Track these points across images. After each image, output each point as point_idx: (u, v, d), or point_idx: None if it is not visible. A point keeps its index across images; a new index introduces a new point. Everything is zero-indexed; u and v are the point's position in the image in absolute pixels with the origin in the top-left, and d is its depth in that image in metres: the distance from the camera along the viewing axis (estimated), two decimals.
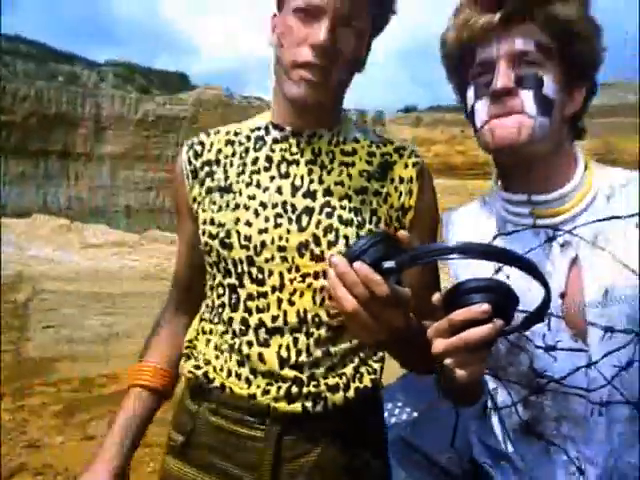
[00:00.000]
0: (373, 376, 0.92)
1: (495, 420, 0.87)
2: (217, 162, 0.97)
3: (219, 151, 0.98)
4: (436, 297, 0.68)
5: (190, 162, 0.99)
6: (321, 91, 0.86)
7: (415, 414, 2.17)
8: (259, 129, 0.98)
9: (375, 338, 0.71)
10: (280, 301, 0.88)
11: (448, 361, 0.66)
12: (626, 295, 0.75)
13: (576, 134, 0.85)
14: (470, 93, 0.81)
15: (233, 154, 0.97)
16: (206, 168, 0.98)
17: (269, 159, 0.94)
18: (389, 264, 0.64)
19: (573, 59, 0.78)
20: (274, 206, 0.91)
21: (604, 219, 0.79)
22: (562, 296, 0.79)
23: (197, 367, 0.96)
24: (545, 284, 0.66)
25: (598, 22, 0.80)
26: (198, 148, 1.00)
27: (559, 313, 0.79)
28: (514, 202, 0.84)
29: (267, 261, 0.89)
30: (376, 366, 0.93)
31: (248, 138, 0.98)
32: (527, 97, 0.77)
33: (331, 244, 0.89)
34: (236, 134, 0.99)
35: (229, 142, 0.98)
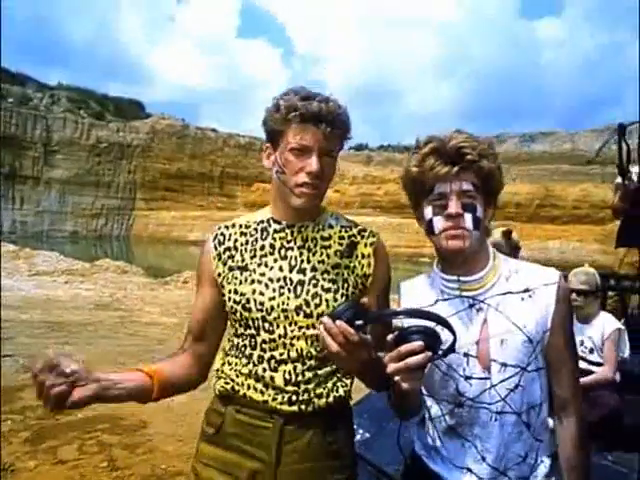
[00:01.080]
0: (345, 388, 1.34)
1: (430, 426, 1.26)
2: (235, 248, 1.34)
3: (235, 240, 1.35)
4: (390, 337, 1.04)
5: (216, 248, 1.35)
6: (314, 200, 1.28)
7: (367, 435, 2.52)
8: (262, 222, 1.37)
9: (350, 368, 1.13)
10: (285, 344, 1.26)
11: (397, 378, 1.02)
12: (515, 345, 1.15)
13: (487, 234, 1.25)
14: (428, 210, 1.18)
15: (246, 242, 1.34)
16: (227, 253, 1.34)
17: (272, 246, 1.32)
18: (359, 322, 1.03)
19: (489, 192, 1.20)
20: (278, 280, 1.28)
21: (503, 293, 1.18)
22: (477, 343, 1.16)
23: (226, 383, 1.33)
24: (453, 332, 1.06)
25: (501, 168, 1.23)
26: (221, 238, 1.37)
27: (474, 354, 1.16)
28: (448, 280, 1.21)
29: (275, 319, 1.26)
30: (347, 382, 1.33)
31: (256, 230, 1.35)
32: (468, 218, 1.14)
33: (317, 306, 1.26)
34: (247, 227, 1.38)
35: (242, 233, 1.36)
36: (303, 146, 1.22)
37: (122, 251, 37.60)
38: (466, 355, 1.17)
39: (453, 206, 1.14)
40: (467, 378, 1.17)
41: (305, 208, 1.27)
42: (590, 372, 2.90)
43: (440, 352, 1.04)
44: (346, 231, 1.35)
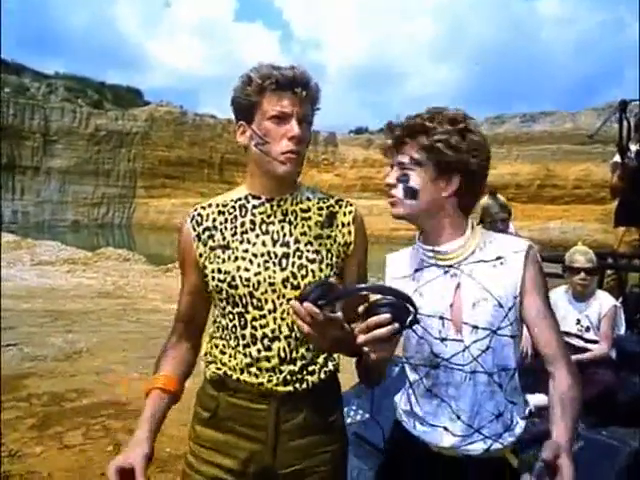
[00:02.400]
0: (334, 362, 1.39)
1: (409, 391, 1.35)
2: (214, 228, 1.34)
3: (214, 220, 1.35)
4: (360, 309, 1.08)
5: (194, 229, 1.35)
6: (298, 165, 1.30)
7: (366, 415, 2.56)
8: (240, 199, 1.38)
9: (323, 345, 1.17)
10: (275, 319, 1.28)
11: (366, 348, 1.07)
12: (485, 308, 1.22)
13: (464, 209, 1.32)
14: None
15: (225, 220, 1.34)
16: (207, 232, 1.34)
17: (252, 222, 1.33)
18: (321, 302, 1.07)
19: (444, 165, 1.26)
20: (262, 255, 1.29)
21: (477, 261, 1.26)
22: (451, 306, 1.23)
23: (218, 369, 1.34)
24: (414, 305, 1.09)
25: (475, 142, 1.27)
26: (198, 218, 1.37)
27: (448, 316, 1.23)
28: (425, 250, 1.30)
29: (262, 294, 1.28)
30: (335, 356, 1.37)
31: (234, 208, 1.36)
32: (399, 188, 1.26)
33: (304, 277, 1.28)
34: (224, 206, 1.38)
35: (220, 212, 1.36)
36: (282, 112, 1.25)
37: (124, 239, 37.68)
38: (441, 318, 1.25)
39: (389, 177, 1.29)
40: (442, 340, 1.25)
41: (290, 175, 1.29)
42: (586, 350, 2.94)
43: (406, 323, 1.08)
44: (324, 202, 1.38)
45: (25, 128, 43.43)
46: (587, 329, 3.00)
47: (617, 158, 4.40)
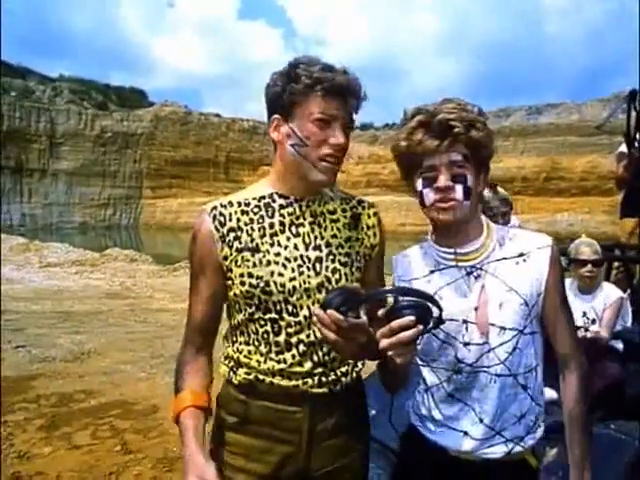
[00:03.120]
0: (361, 365, 1.36)
1: (426, 395, 1.28)
2: (239, 229, 1.26)
3: (238, 220, 1.27)
4: (380, 313, 1.04)
5: (217, 229, 1.25)
6: (335, 175, 1.27)
7: (373, 412, 2.55)
8: (264, 197, 1.29)
9: (351, 352, 1.10)
10: (310, 325, 1.22)
11: (390, 353, 1.02)
12: (512, 308, 1.17)
13: (481, 201, 1.26)
14: (418, 183, 1.19)
15: (251, 221, 1.27)
16: (232, 234, 1.25)
17: (282, 223, 1.26)
18: (344, 308, 1.03)
19: (480, 160, 1.21)
20: (295, 259, 1.24)
21: (499, 259, 1.21)
22: (476, 309, 1.18)
23: (247, 373, 1.28)
24: (439, 307, 1.07)
25: (491, 134, 1.22)
26: (221, 218, 1.28)
27: (473, 320, 1.18)
28: (443, 252, 1.23)
29: (298, 299, 1.23)
30: None
31: (258, 207, 1.28)
32: (459, 189, 1.15)
33: (337, 281, 1.25)
34: (247, 204, 1.30)
35: (244, 212, 1.28)
36: (330, 116, 1.19)
37: (131, 240, 37.83)
38: (465, 322, 1.20)
39: (442, 179, 1.15)
40: (466, 344, 1.20)
41: (326, 186, 1.26)
42: (590, 341, 2.91)
43: (430, 325, 1.05)
44: (347, 203, 1.35)
45: (31, 131, 43.68)
46: (593, 321, 2.97)
47: (622, 148, 4.34)
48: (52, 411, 3.83)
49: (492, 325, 1.18)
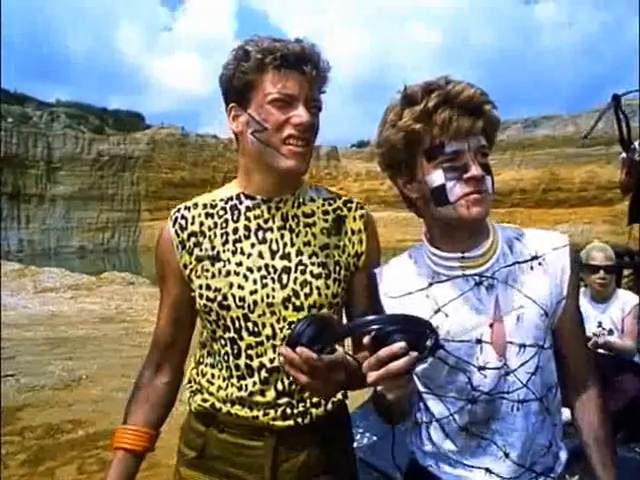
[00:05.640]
0: (342, 391, 1.15)
1: (433, 429, 1.08)
2: (202, 233, 1.12)
3: (201, 224, 1.13)
4: (366, 340, 0.85)
5: (177, 234, 1.14)
6: (307, 159, 1.09)
7: (374, 438, 2.36)
8: (231, 199, 1.15)
9: (328, 392, 0.97)
10: (274, 346, 1.06)
11: (379, 388, 0.85)
12: (532, 320, 1.00)
13: None
14: (437, 175, 0.98)
15: (215, 225, 1.12)
16: (192, 239, 1.12)
17: (247, 228, 1.11)
18: (317, 346, 0.85)
19: (491, 146, 1.03)
20: (259, 269, 1.08)
21: (511, 264, 1.03)
22: (491, 325, 1.00)
23: (204, 400, 1.13)
24: (433, 330, 0.87)
25: None
26: (182, 222, 1.15)
27: (488, 339, 1.00)
28: (448, 258, 1.03)
29: (260, 316, 1.07)
30: None
31: (224, 210, 1.14)
32: (488, 181, 0.98)
33: (307, 295, 1.07)
34: (212, 206, 1.16)
35: (208, 215, 1.14)
36: (287, 95, 1.03)
37: (130, 263, 37.64)
38: (479, 341, 1.01)
39: (475, 168, 0.96)
40: (481, 368, 1.01)
41: (294, 172, 1.07)
42: (608, 356, 2.72)
43: (426, 352, 0.86)
44: (330, 204, 1.16)
45: (29, 157, 43.73)
46: (610, 332, 2.79)
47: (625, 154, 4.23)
48: (37, 444, 3.62)
49: (510, 343, 1.00)
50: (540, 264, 1.04)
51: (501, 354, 1.00)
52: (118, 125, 52.70)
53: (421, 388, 1.09)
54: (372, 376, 0.84)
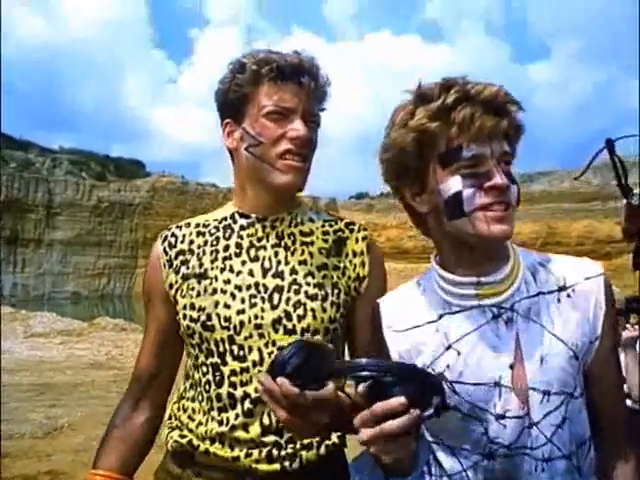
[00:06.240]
0: (339, 433, 1.02)
1: None
2: (190, 251, 1.06)
3: (191, 242, 1.06)
4: (361, 389, 0.72)
5: (166, 252, 1.07)
6: (303, 175, 1.02)
7: None
8: (225, 219, 1.09)
9: (310, 433, 0.85)
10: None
11: (372, 449, 0.71)
12: (559, 363, 0.85)
13: None
14: (454, 182, 0.84)
15: (205, 243, 1.06)
16: (180, 257, 1.05)
17: (239, 245, 1.03)
18: (299, 381, 0.73)
19: (513, 157, 0.89)
20: (248, 288, 0.99)
21: (534, 295, 0.88)
22: (511, 367, 0.85)
23: (182, 436, 1.01)
24: (442, 389, 0.74)
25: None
26: (172, 240, 1.08)
27: (508, 384, 0.85)
28: (461, 284, 0.88)
29: (246, 339, 0.97)
30: None
31: (217, 228, 1.07)
32: (514, 192, 0.85)
33: (300, 318, 0.97)
34: (205, 226, 1.09)
35: (200, 233, 1.07)
36: (284, 108, 0.98)
37: (124, 310, 37.18)
38: (497, 385, 0.85)
39: (499, 176, 0.82)
40: (499, 417, 0.85)
41: (290, 187, 1.00)
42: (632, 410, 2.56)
43: (431, 410, 0.73)
44: (330, 225, 1.08)
45: (29, 201, 43.96)
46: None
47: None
48: None
49: (532, 390, 0.84)
50: (569, 296, 0.89)
51: (524, 401, 0.85)
52: (119, 172, 53.44)
53: (429, 437, 0.93)
54: (365, 434, 0.70)
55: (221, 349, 0.97)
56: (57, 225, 45.52)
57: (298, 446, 0.96)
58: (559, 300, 0.89)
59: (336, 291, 1.02)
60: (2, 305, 18.06)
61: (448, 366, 0.84)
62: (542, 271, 0.92)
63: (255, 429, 0.95)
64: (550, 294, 0.89)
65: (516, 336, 0.86)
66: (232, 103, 1.02)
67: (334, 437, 1.00)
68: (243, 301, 0.98)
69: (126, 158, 60.53)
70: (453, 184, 0.84)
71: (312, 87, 0.99)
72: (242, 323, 0.96)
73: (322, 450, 0.98)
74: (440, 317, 0.91)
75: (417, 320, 0.93)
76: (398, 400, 0.68)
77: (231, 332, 0.97)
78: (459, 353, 0.87)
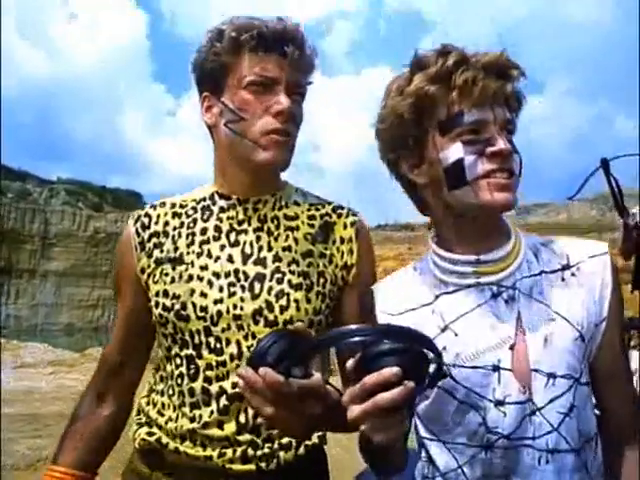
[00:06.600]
0: (320, 433, 0.96)
1: None
2: (165, 234, 0.99)
3: (166, 223, 1.00)
4: (350, 363, 0.67)
5: (138, 234, 1.01)
6: (287, 152, 0.95)
7: None
8: (204, 199, 1.02)
9: (298, 430, 0.76)
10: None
11: (363, 426, 0.66)
12: (564, 344, 0.80)
13: None
14: (455, 149, 0.81)
15: (181, 225, 0.99)
16: (154, 239, 0.99)
17: (218, 229, 0.97)
18: (284, 363, 0.67)
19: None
20: (227, 275, 0.93)
21: (537, 273, 0.85)
22: (512, 347, 0.81)
23: (150, 434, 0.95)
24: (438, 352, 0.68)
25: None
26: (145, 220, 1.01)
27: (508, 366, 0.80)
28: (460, 262, 0.85)
29: (224, 330, 0.91)
30: None
31: (194, 209, 1.01)
32: (516, 160, 0.83)
33: (283, 309, 0.91)
34: (182, 206, 1.02)
35: (176, 214, 1.01)
36: (266, 78, 0.90)
37: None
38: (496, 368, 0.80)
39: (502, 141, 0.78)
40: (499, 403, 0.80)
41: (273, 164, 0.93)
42: None
43: (427, 380, 0.67)
44: (317, 209, 1.01)
45: (25, 232, 44.04)
46: None
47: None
48: None
49: (535, 371, 0.78)
50: (573, 275, 0.85)
51: (525, 385, 0.78)
52: (116, 203, 53.74)
53: (423, 432, 0.86)
54: (354, 410, 0.64)
55: (196, 341, 0.90)
56: (52, 256, 45.53)
57: (276, 446, 0.89)
58: (563, 279, 0.84)
59: (322, 280, 0.95)
60: None
61: (444, 348, 0.79)
62: (544, 251, 0.88)
63: (230, 427, 0.88)
64: (553, 273, 0.85)
65: (517, 315, 0.81)
66: (210, 74, 0.95)
67: (314, 437, 0.93)
68: (221, 289, 0.90)
69: (123, 189, 60.95)
70: (454, 151, 0.80)
71: (297, 57, 0.92)
72: (220, 313, 0.89)
73: (301, 450, 0.91)
74: (436, 298, 0.86)
75: (412, 303, 0.88)
76: (391, 370, 0.62)
77: (207, 323, 0.89)
78: (456, 334, 0.83)
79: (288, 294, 0.91)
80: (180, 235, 0.97)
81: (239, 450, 0.89)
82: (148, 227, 1.00)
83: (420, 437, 0.88)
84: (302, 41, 0.94)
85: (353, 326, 0.69)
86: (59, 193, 48.91)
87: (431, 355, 0.67)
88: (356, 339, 0.65)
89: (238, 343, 0.90)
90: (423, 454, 0.88)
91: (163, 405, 0.96)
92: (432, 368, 0.68)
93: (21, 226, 44.08)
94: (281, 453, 0.91)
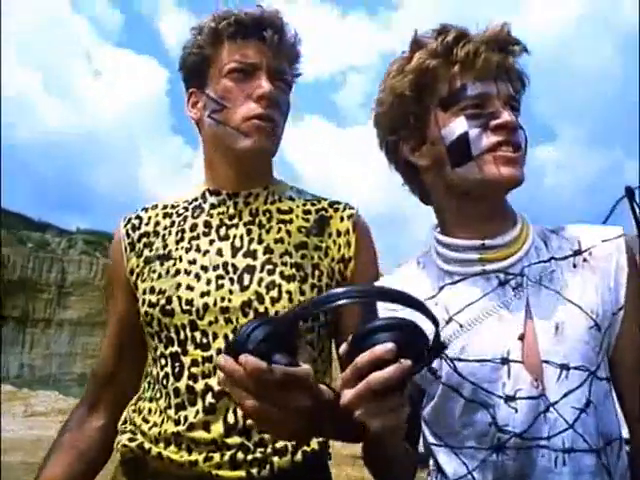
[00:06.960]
0: (320, 439, 0.86)
1: None
2: (155, 233, 0.97)
3: (157, 223, 0.98)
4: (342, 349, 0.62)
5: (128, 235, 0.98)
6: (272, 139, 0.93)
7: None
8: (196, 199, 0.99)
9: (286, 429, 0.65)
10: None
11: (358, 412, 0.59)
12: (577, 333, 0.74)
13: None
14: (459, 123, 0.78)
15: (172, 224, 0.96)
16: (144, 239, 0.97)
17: (208, 224, 0.94)
18: (266, 346, 0.59)
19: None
20: (215, 268, 0.89)
21: (546, 260, 0.80)
22: (521, 338, 0.75)
23: (131, 440, 0.89)
24: (434, 320, 0.62)
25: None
26: (136, 222, 0.99)
27: (518, 358, 0.75)
28: (464, 248, 0.81)
29: (211, 324, 0.86)
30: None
31: (186, 209, 0.99)
32: (522, 135, 0.80)
33: (274, 300, 0.86)
34: (173, 207, 1.00)
35: (167, 215, 0.99)
36: (246, 64, 0.89)
37: None
38: (505, 361, 0.74)
39: (505, 113, 0.76)
40: (510, 399, 0.73)
41: (256, 151, 0.90)
42: None
43: (425, 357, 0.61)
44: (313, 204, 0.97)
45: (42, 281, 44.42)
46: None
47: None
48: None
49: (547, 363, 0.72)
50: (585, 260, 0.80)
51: (538, 377, 0.72)
52: None
53: (429, 438, 0.80)
54: (347, 395, 0.58)
55: (182, 336, 0.84)
56: (68, 304, 45.79)
57: (269, 450, 0.81)
58: (575, 265, 0.79)
59: (317, 273, 0.89)
60: (3, 384, 17.84)
61: (449, 341, 0.74)
62: (554, 237, 0.83)
63: (217, 428, 0.81)
64: (564, 260, 0.80)
65: (526, 303, 0.76)
66: (194, 68, 0.95)
67: (314, 442, 0.84)
68: (209, 282, 0.85)
69: None
70: (457, 126, 0.77)
71: (277, 42, 0.91)
72: (206, 306, 0.84)
73: (298, 457, 0.83)
74: (440, 290, 0.82)
75: (418, 295, 0.80)
76: (385, 347, 0.56)
77: (193, 316, 0.84)
78: (461, 326, 0.77)
79: (280, 285, 0.87)
80: (170, 233, 0.95)
81: (227, 454, 0.82)
82: (138, 228, 0.98)
83: (427, 444, 0.82)
84: (281, 26, 0.93)
85: (345, 288, 0.62)
86: (77, 243, 49.66)
87: (430, 331, 0.61)
88: (341, 302, 0.59)
89: (226, 337, 0.85)
90: (431, 463, 0.83)
91: (150, 411, 0.91)
92: (430, 344, 0.61)
93: (38, 275, 44.58)
94: (275, 458, 0.83)
